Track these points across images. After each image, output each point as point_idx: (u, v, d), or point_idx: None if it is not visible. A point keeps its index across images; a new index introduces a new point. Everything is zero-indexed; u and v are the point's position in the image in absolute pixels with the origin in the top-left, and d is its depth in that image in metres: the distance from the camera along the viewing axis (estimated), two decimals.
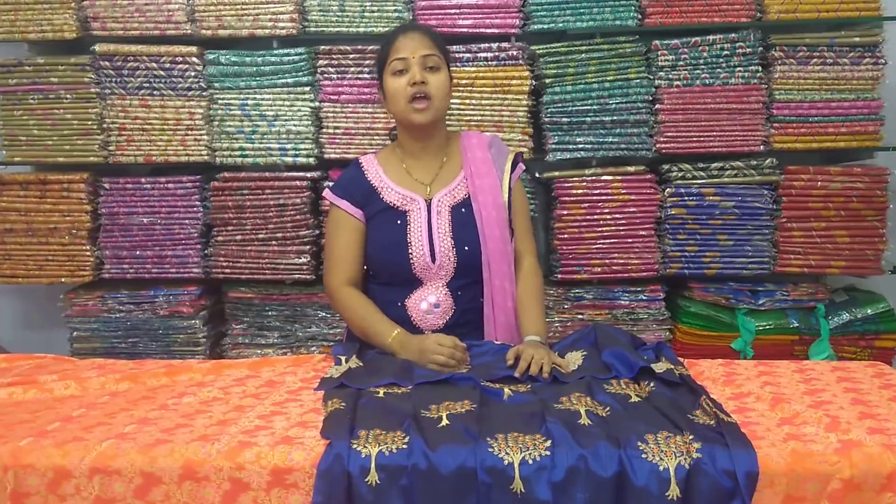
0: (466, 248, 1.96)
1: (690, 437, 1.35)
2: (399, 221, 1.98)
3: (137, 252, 2.92)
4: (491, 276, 1.98)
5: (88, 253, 2.92)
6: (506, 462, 1.32)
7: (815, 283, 2.94)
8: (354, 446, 1.35)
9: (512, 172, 2.06)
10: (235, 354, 2.97)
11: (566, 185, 2.84)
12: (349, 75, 2.84)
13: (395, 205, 1.99)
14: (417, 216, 1.98)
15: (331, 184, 2.80)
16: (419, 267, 1.95)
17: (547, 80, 2.80)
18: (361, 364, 1.79)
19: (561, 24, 2.80)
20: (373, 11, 2.82)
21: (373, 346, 1.91)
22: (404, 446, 1.35)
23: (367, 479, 1.32)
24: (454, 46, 2.74)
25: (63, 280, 2.95)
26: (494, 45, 2.80)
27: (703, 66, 2.80)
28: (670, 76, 2.80)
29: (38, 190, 2.90)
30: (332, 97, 2.84)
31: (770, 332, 2.86)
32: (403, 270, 1.96)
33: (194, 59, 2.83)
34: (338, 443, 1.36)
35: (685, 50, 2.79)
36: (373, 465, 1.33)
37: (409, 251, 1.95)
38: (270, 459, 1.35)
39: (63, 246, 2.92)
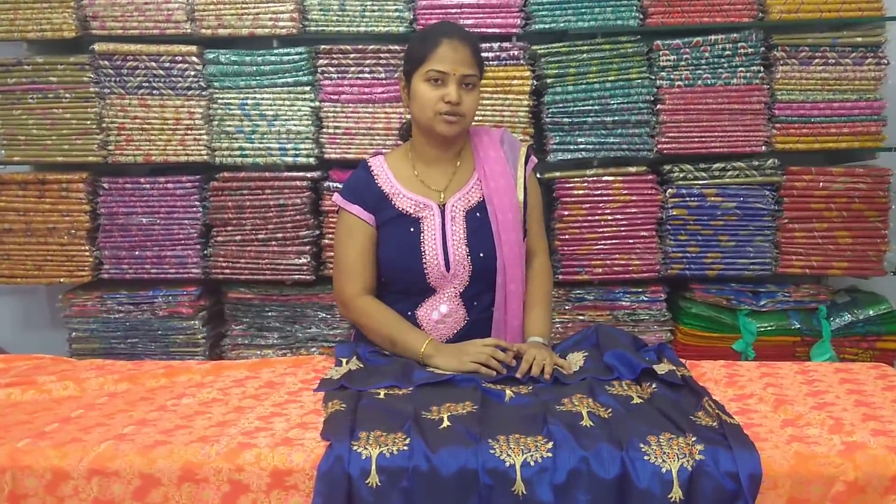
0: (482, 254, 1.91)
1: (693, 439, 1.34)
2: (412, 229, 1.91)
3: (136, 252, 2.91)
4: (505, 281, 1.92)
5: (87, 253, 2.91)
6: (507, 464, 1.31)
7: (816, 285, 2.94)
8: (355, 448, 1.34)
9: (525, 167, 2.01)
10: (235, 355, 2.96)
11: (567, 185, 2.84)
12: (349, 75, 2.83)
13: (407, 212, 1.92)
14: (431, 223, 1.91)
15: (333, 185, 2.82)
16: (433, 276, 1.89)
17: (548, 80, 2.79)
18: (361, 365, 1.78)
19: (562, 24, 2.79)
20: (374, 11, 2.81)
21: (396, 353, 1.85)
22: (405, 448, 1.34)
23: (367, 481, 1.31)
24: None
25: (62, 280, 2.94)
26: (496, 45, 2.79)
27: (704, 67, 2.79)
28: (672, 76, 2.80)
29: (36, 190, 2.89)
30: (332, 97, 2.84)
31: (771, 334, 2.85)
32: (417, 279, 1.90)
33: (194, 58, 2.82)
34: (338, 444, 1.35)
35: (687, 50, 2.78)
36: (373, 466, 1.32)
37: (423, 260, 1.89)
38: (270, 461, 1.34)
39: (62, 246, 2.91)
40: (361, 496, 1.31)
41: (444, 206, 1.94)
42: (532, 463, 1.31)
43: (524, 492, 1.30)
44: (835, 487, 1.30)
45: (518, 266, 1.95)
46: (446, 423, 1.41)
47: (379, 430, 1.39)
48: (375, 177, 1.97)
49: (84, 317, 2.95)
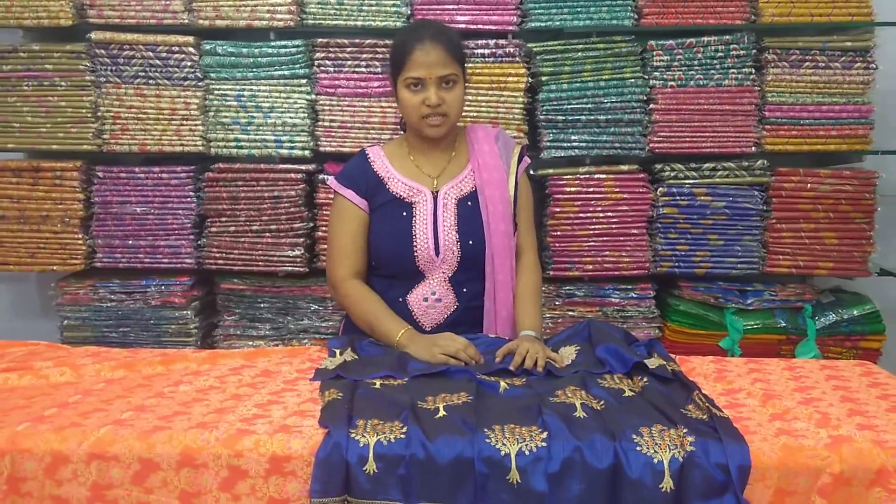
0: (471, 241, 1.96)
1: (684, 431, 1.37)
2: (405, 213, 1.97)
3: (130, 241, 2.91)
4: (494, 271, 1.97)
5: (80, 241, 2.91)
6: (502, 453, 1.34)
7: (802, 284, 2.98)
8: (353, 435, 1.36)
9: (518, 165, 2.06)
10: (227, 346, 2.97)
11: (560, 182, 2.86)
12: (346, 69, 2.84)
13: (401, 196, 1.98)
14: (423, 208, 1.97)
15: (328, 177, 2.83)
16: (422, 259, 1.94)
17: (543, 78, 2.81)
18: (356, 356, 1.80)
19: (558, 23, 2.81)
20: (371, 5, 2.82)
21: (375, 338, 1.90)
22: (402, 436, 1.37)
23: (364, 468, 1.34)
24: None
25: (54, 268, 2.94)
26: (492, 42, 2.81)
27: (697, 67, 2.82)
28: (665, 76, 2.83)
29: (30, 177, 2.89)
30: (328, 90, 2.85)
31: (757, 332, 2.89)
32: (407, 262, 1.94)
33: (191, 48, 2.82)
34: (336, 432, 1.37)
35: (680, 51, 2.81)
36: (371, 454, 1.34)
37: (414, 243, 1.94)
38: (269, 447, 1.36)
39: (55, 234, 2.91)
40: (359, 483, 1.34)
41: (436, 192, 1.99)
42: (527, 452, 1.34)
43: (519, 480, 1.33)
44: (821, 479, 1.33)
45: (507, 257, 1.99)
46: (442, 412, 1.44)
47: (376, 418, 1.41)
48: (372, 163, 2.04)
49: (76, 305, 2.95)
